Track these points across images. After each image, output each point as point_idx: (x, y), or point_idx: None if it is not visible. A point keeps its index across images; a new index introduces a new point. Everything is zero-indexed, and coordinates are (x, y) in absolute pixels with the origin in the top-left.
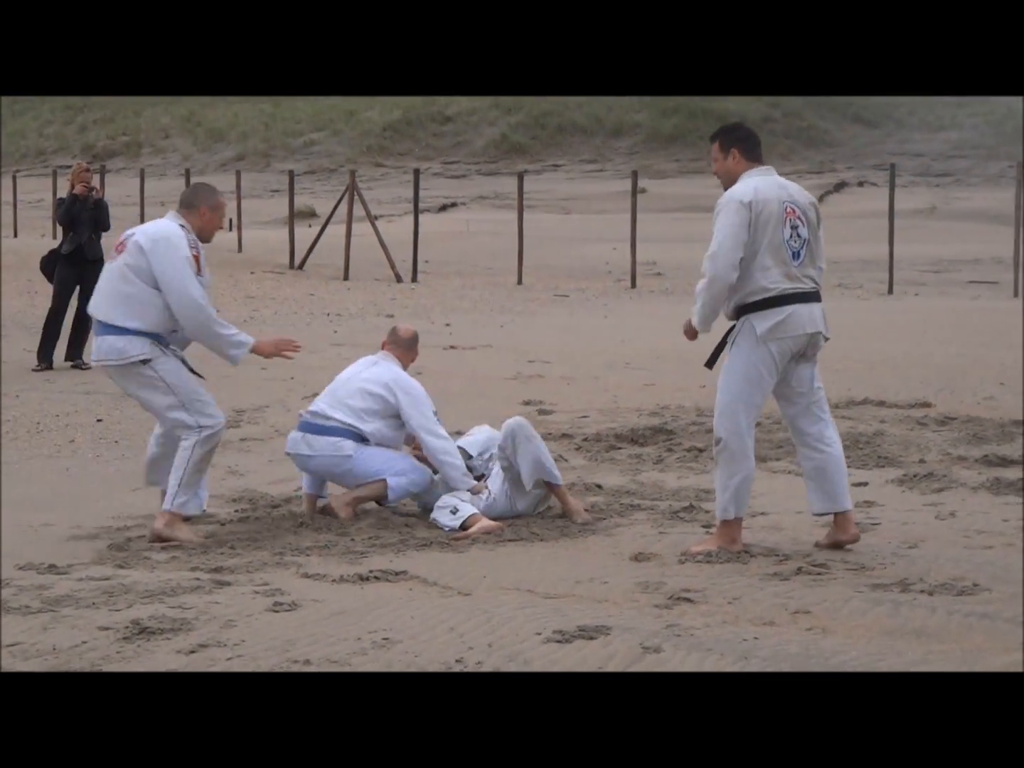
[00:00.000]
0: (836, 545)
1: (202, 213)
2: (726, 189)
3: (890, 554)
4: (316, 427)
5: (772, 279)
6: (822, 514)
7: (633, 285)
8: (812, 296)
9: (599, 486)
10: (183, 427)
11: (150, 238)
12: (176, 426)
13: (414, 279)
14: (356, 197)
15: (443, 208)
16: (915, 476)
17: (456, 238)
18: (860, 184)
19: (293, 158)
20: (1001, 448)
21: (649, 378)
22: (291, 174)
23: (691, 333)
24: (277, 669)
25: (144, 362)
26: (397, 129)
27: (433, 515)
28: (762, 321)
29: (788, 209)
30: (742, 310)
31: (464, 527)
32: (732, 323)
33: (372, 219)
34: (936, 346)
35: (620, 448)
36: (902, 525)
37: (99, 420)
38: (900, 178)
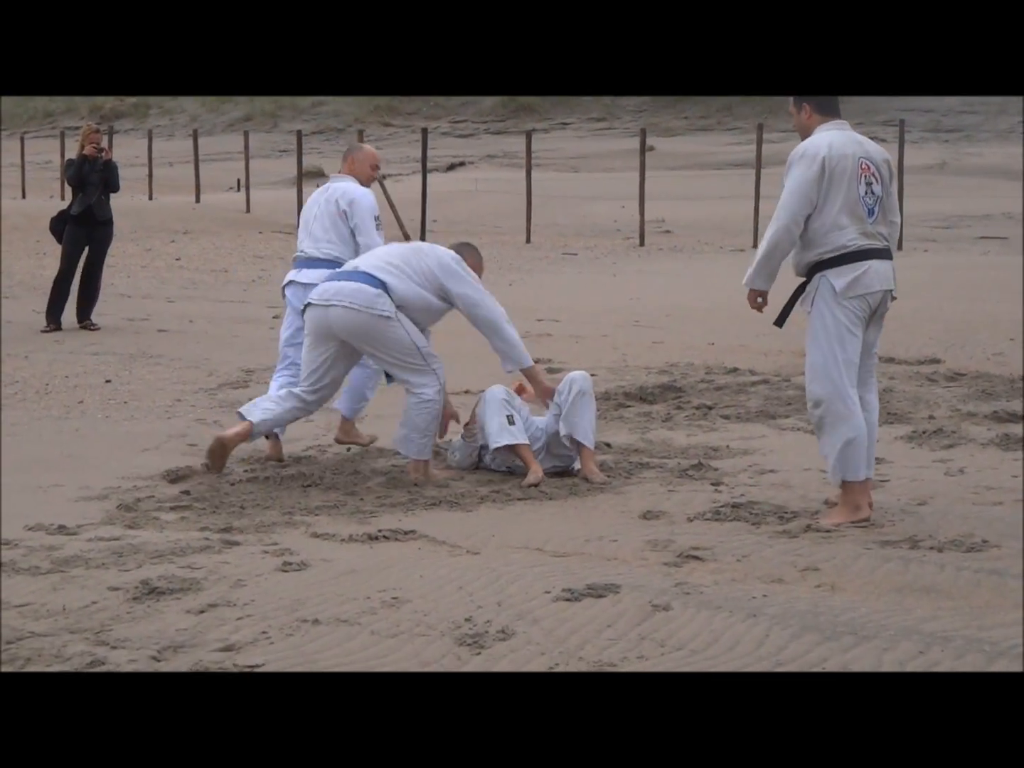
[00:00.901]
0: None
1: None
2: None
3: (899, 511)
4: None
5: (849, 236)
6: None
7: (642, 243)
8: (886, 253)
9: (608, 444)
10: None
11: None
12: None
13: (423, 238)
14: None
15: (451, 167)
16: (924, 432)
17: (464, 197)
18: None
19: (301, 118)
20: (1011, 404)
21: (658, 336)
22: (299, 134)
23: (756, 301)
24: (286, 629)
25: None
26: None
27: (484, 419)
28: (839, 277)
29: (863, 165)
30: (817, 267)
31: (515, 451)
32: (802, 281)
33: (380, 178)
34: (946, 302)
35: (629, 406)
36: (911, 482)
37: (108, 381)
38: (910, 134)
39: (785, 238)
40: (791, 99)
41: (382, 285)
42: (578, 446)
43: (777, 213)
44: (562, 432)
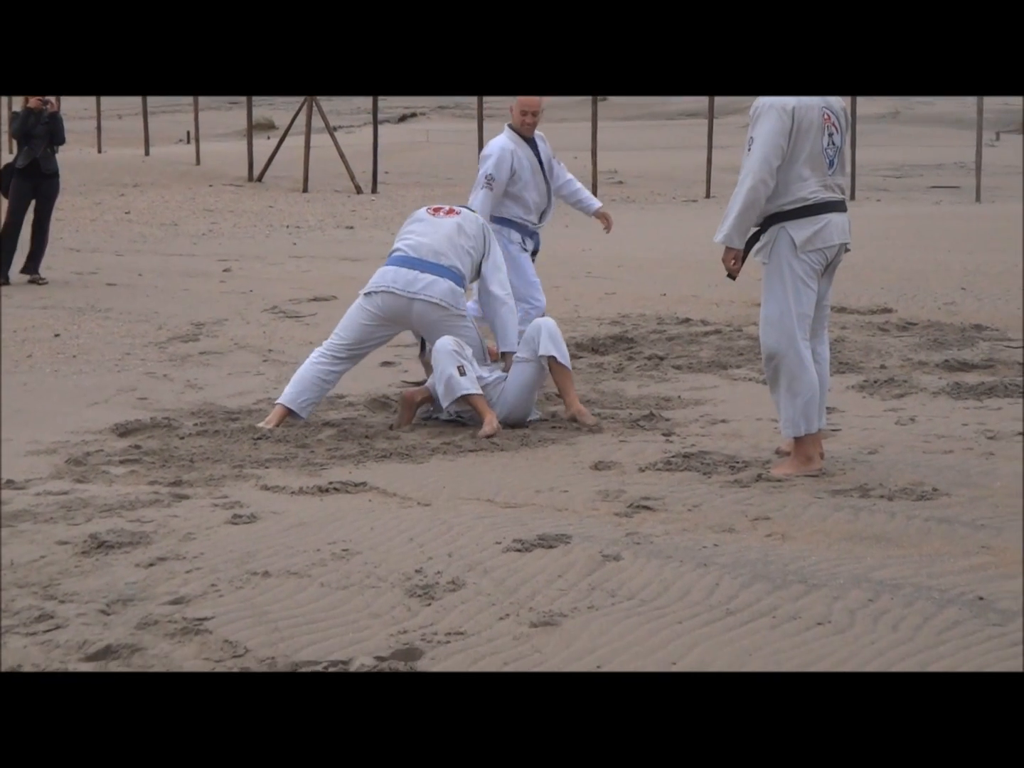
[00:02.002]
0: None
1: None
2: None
3: (850, 460)
4: None
5: (810, 188)
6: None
7: (594, 194)
8: (843, 205)
9: (559, 395)
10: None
11: None
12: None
13: (374, 190)
14: (315, 108)
15: (403, 119)
16: (876, 382)
17: (416, 148)
18: None
19: None
20: (961, 353)
21: (610, 287)
22: None
23: (732, 260)
24: (236, 581)
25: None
26: None
27: (440, 366)
28: (799, 230)
29: (825, 115)
30: (775, 218)
31: (469, 402)
32: (755, 231)
33: (331, 130)
34: (897, 251)
35: (581, 357)
36: (862, 431)
37: (56, 335)
38: None
39: (762, 191)
40: None
41: (462, 281)
42: (559, 376)
43: (750, 166)
44: (540, 352)
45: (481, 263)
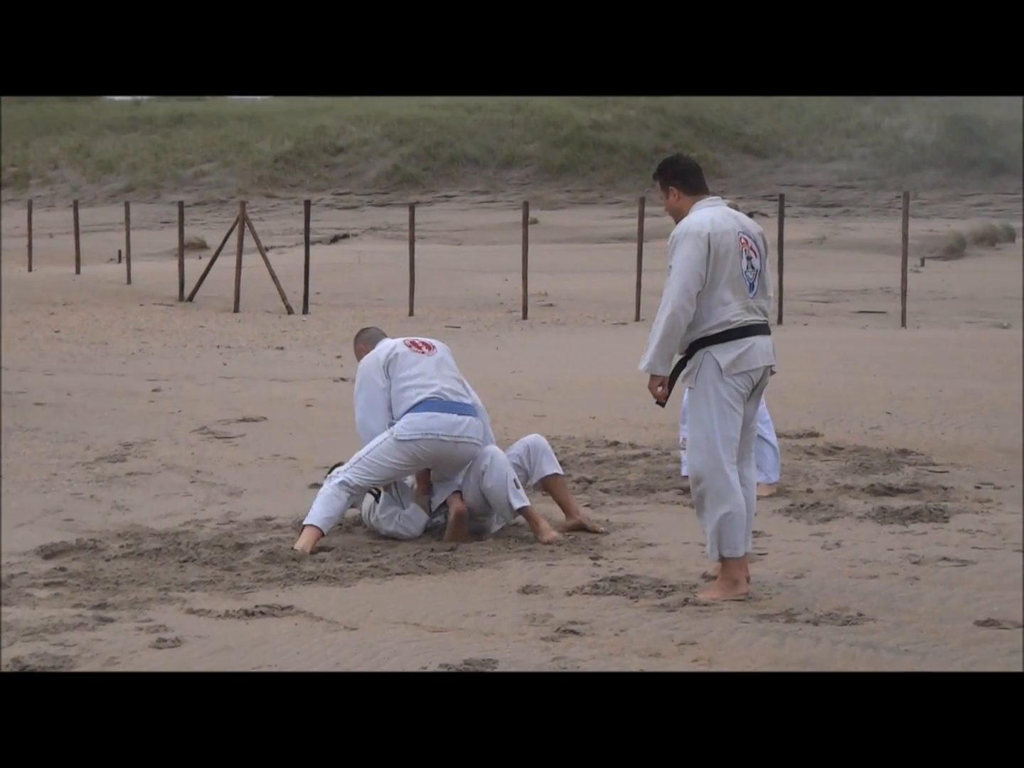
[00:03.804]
0: None
1: None
2: (676, 223)
3: (776, 584)
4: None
5: (733, 311)
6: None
7: (525, 316)
8: (766, 328)
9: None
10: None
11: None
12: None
13: (305, 311)
14: (247, 228)
15: (335, 239)
16: (802, 506)
17: (348, 269)
18: (750, 214)
19: (183, 189)
20: (887, 477)
21: (540, 409)
22: (181, 205)
23: (658, 386)
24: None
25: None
26: (288, 160)
27: (502, 491)
28: (724, 354)
29: (742, 240)
30: (700, 343)
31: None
32: (681, 358)
33: (263, 250)
34: (824, 376)
35: None
36: (789, 555)
37: None
38: (790, 208)
39: (682, 318)
40: (657, 183)
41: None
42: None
43: (669, 293)
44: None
45: None
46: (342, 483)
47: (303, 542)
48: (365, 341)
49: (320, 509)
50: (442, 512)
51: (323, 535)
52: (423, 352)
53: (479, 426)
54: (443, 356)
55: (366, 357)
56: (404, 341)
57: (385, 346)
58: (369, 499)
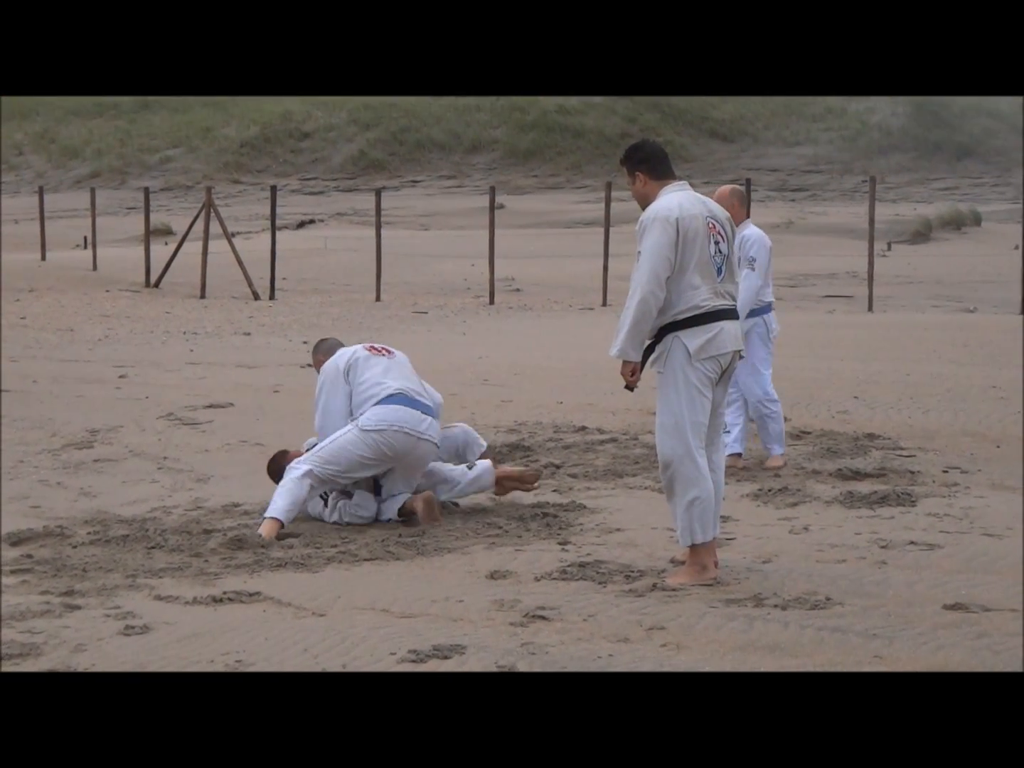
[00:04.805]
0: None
1: None
2: (643, 209)
3: (744, 569)
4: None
5: (702, 296)
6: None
7: (491, 301)
8: (734, 313)
9: (455, 504)
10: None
11: None
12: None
13: (272, 296)
14: (213, 214)
15: (301, 225)
16: (770, 491)
17: (314, 255)
18: None
19: (149, 175)
20: (854, 462)
21: (506, 395)
22: (147, 191)
23: (630, 372)
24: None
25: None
26: (254, 145)
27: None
28: (693, 339)
29: (710, 224)
30: (669, 328)
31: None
32: (650, 342)
33: (229, 236)
34: (791, 360)
35: None
36: (756, 540)
37: None
38: (756, 193)
39: (652, 303)
40: (624, 169)
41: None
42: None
43: (639, 279)
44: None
45: None
46: (304, 474)
47: (264, 533)
48: (324, 352)
49: (281, 501)
50: (394, 495)
51: (283, 527)
52: (383, 355)
53: (437, 427)
54: (403, 360)
55: (327, 363)
56: (364, 346)
57: (344, 353)
58: (318, 503)
